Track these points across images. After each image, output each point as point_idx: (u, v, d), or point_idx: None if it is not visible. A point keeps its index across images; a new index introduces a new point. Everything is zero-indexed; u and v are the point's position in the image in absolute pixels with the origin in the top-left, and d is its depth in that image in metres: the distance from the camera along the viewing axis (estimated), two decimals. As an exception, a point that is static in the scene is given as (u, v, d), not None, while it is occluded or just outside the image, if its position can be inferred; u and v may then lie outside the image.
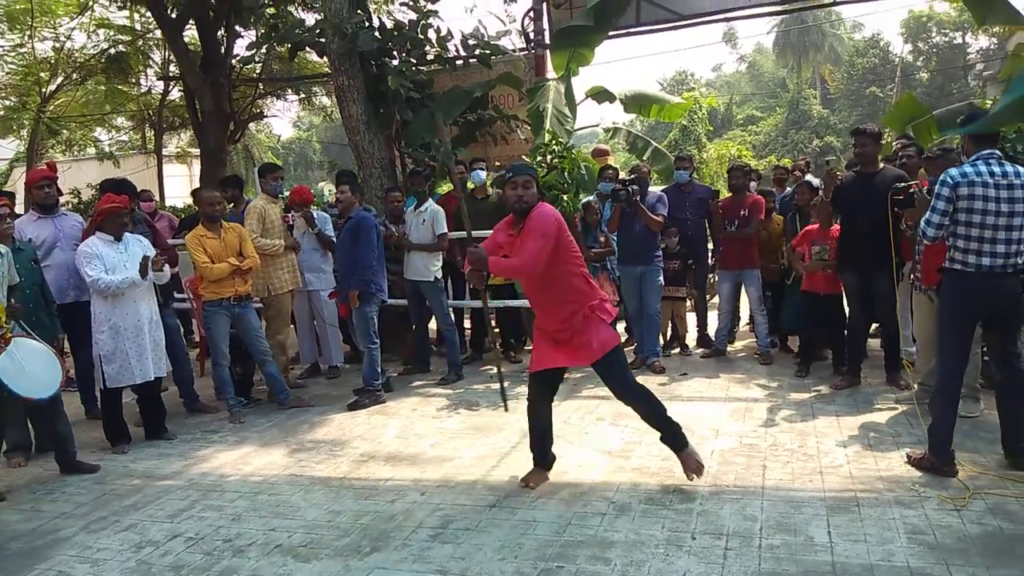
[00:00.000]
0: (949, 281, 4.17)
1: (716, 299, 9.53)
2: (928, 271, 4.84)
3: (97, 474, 4.93)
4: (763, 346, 7.06)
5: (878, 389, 5.85)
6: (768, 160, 27.91)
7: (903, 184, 5.18)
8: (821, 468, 4.33)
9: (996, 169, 4.01)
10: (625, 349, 7.76)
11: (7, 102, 16.04)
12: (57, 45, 15.47)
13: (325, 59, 8.86)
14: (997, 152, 4.13)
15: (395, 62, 8.41)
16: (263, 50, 10.48)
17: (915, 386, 5.36)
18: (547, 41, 9.66)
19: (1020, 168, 4.06)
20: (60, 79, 15.90)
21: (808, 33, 43.66)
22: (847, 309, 6.17)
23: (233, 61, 12.26)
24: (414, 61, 8.57)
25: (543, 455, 4.40)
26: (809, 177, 7.77)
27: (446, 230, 6.93)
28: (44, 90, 15.75)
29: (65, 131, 17.48)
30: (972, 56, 40.66)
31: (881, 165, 5.85)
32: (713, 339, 7.73)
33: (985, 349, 4.98)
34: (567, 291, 4.06)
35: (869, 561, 3.24)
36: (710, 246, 8.16)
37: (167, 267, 5.53)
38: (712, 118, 34.27)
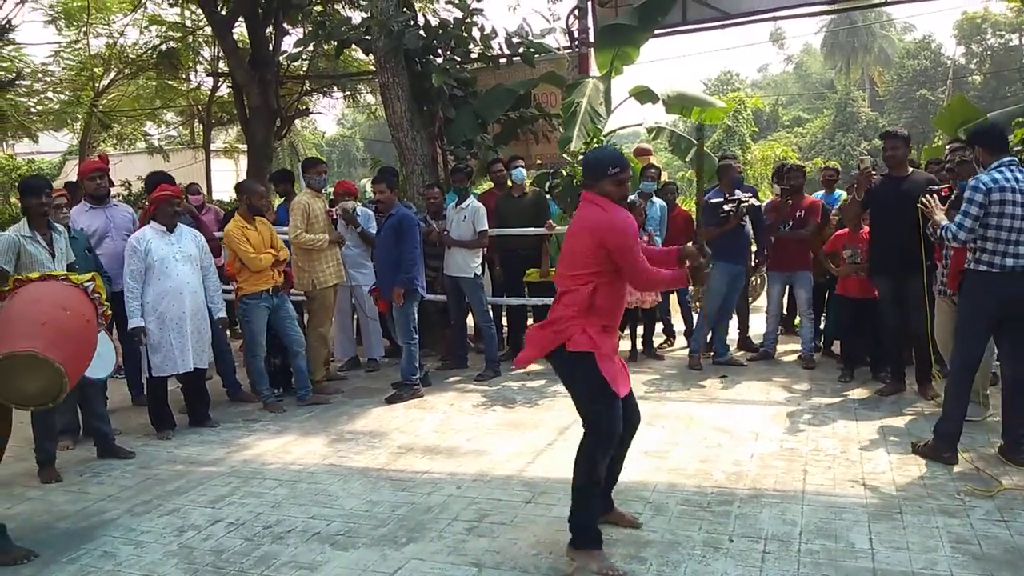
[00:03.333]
0: (972, 281, 4.37)
1: (757, 301, 9.45)
2: (953, 275, 4.87)
3: (141, 459, 5.05)
4: (807, 350, 6.95)
5: (929, 400, 5.71)
6: (814, 162, 27.43)
7: (936, 187, 5.16)
8: (863, 474, 4.26)
9: (1020, 175, 4.26)
10: (665, 349, 7.83)
11: (62, 96, 16.48)
12: (111, 41, 15.86)
13: (371, 57, 8.97)
14: (1016, 159, 4.36)
15: (439, 60, 8.46)
16: (310, 47, 10.63)
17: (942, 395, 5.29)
18: (591, 39, 9.63)
19: None
20: (113, 74, 16.31)
21: (857, 34, 42.82)
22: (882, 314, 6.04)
23: (281, 58, 12.44)
24: (458, 59, 8.62)
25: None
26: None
27: (487, 227, 6.96)
28: (97, 85, 16.17)
29: (116, 125, 17.91)
30: (1029, 58, 39.52)
31: (910, 169, 5.74)
32: (754, 342, 7.66)
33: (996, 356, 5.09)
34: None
35: (911, 569, 3.18)
36: (752, 248, 8.04)
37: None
38: (757, 119, 33.83)
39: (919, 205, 4.83)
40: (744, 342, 7.64)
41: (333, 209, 7.09)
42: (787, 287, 7.15)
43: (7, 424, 3.80)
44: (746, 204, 6.72)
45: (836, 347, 7.12)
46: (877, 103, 43.82)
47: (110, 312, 4.17)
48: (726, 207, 6.80)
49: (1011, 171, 4.25)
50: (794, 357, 7.18)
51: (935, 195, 4.72)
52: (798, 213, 6.91)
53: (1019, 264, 4.21)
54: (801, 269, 6.93)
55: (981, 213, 4.21)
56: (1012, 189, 4.19)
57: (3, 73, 14.01)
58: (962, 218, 4.27)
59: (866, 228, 6.13)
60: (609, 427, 3.32)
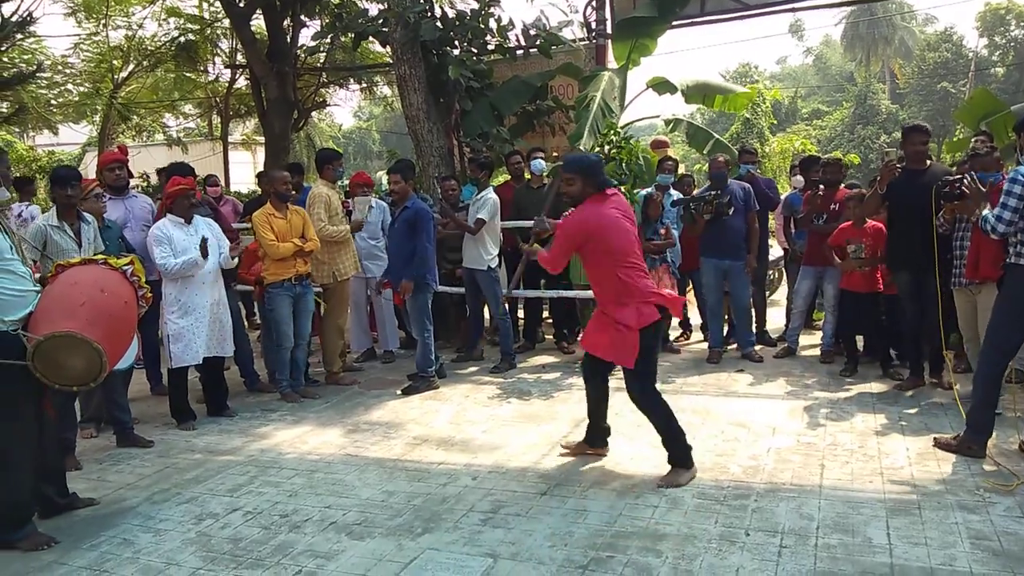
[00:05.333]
0: (1013, 276, 4.28)
1: (775, 295, 9.39)
2: (972, 265, 4.82)
3: (160, 448, 5.10)
4: (826, 345, 6.89)
5: (943, 391, 5.67)
6: (834, 155, 27.18)
7: (951, 178, 5.11)
8: (882, 469, 4.23)
9: None
10: (681, 343, 7.80)
11: (82, 88, 16.61)
12: (129, 33, 15.96)
13: (388, 48, 8.96)
14: None
15: (456, 52, 8.45)
16: (328, 39, 10.65)
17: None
18: (609, 31, 9.58)
19: None
20: (131, 66, 16.39)
21: (878, 26, 42.34)
22: (903, 308, 5.98)
23: (298, 50, 12.48)
24: (475, 51, 8.60)
25: (589, 433, 4.66)
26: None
27: (486, 218, 6.86)
28: (116, 77, 16.27)
29: (135, 117, 18.02)
30: (1053, 50, 38.90)
31: (929, 163, 5.67)
32: (771, 336, 7.61)
33: None
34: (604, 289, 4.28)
35: (930, 565, 3.15)
36: (771, 241, 7.99)
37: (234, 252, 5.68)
38: (776, 111, 33.47)
39: (958, 190, 4.77)
40: (761, 336, 7.59)
41: (349, 200, 7.11)
42: (819, 282, 7.00)
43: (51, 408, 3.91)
44: (719, 202, 6.72)
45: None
46: (897, 96, 43.31)
47: (151, 294, 4.24)
48: (692, 205, 6.92)
49: None
50: (813, 352, 7.13)
51: (975, 179, 4.60)
52: (833, 206, 6.79)
53: None
54: (834, 264, 6.78)
55: (1021, 205, 4.10)
56: None
57: (24, 65, 14.11)
58: (1001, 210, 4.17)
59: (871, 223, 6.14)
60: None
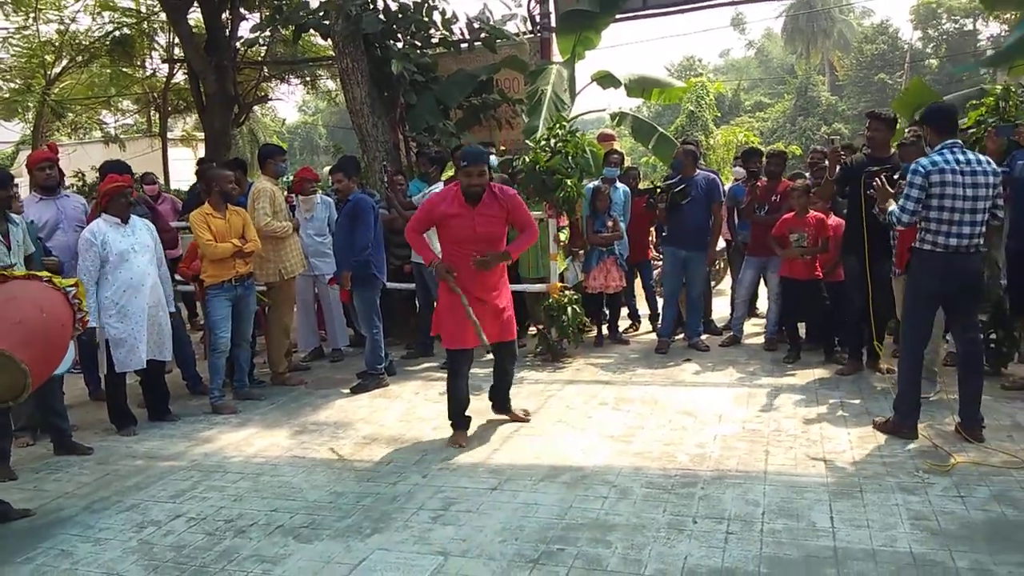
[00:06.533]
0: (918, 260, 4.48)
1: (720, 285, 9.53)
2: (901, 255, 5.03)
3: (100, 455, 4.94)
4: (771, 333, 7.02)
5: (883, 376, 5.82)
6: (776, 146, 27.71)
7: (876, 168, 5.24)
8: (824, 454, 4.32)
9: (960, 157, 4.33)
10: (630, 334, 7.86)
11: (12, 84, 15.99)
12: (61, 27, 15.40)
13: (329, 41, 8.82)
14: (960, 141, 4.44)
15: (399, 45, 8.37)
16: (267, 32, 10.44)
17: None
18: (553, 24, 9.59)
19: (980, 156, 4.42)
20: (65, 61, 15.83)
21: (817, 19, 43.29)
22: (848, 294, 6.11)
23: (237, 44, 12.19)
24: (419, 44, 8.54)
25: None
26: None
27: None
28: (49, 72, 15.70)
29: (71, 114, 17.44)
30: (983, 43, 40.26)
31: (892, 150, 5.78)
32: (717, 325, 7.73)
33: (949, 335, 5.25)
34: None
35: (872, 546, 3.23)
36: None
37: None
38: (720, 104, 34.05)
39: (869, 191, 4.94)
40: (707, 326, 7.70)
41: (292, 195, 6.98)
42: (762, 272, 7.16)
43: None
44: (673, 192, 6.84)
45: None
46: (837, 87, 44.41)
47: (88, 318, 4.11)
48: (648, 196, 7.06)
49: (952, 153, 4.33)
50: (757, 340, 7.26)
51: (882, 178, 4.78)
52: (774, 197, 6.94)
53: (962, 243, 4.30)
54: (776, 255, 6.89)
55: (922, 195, 4.31)
56: (952, 171, 4.27)
57: (-52, 61, 13.57)
58: (904, 201, 4.38)
59: (813, 213, 6.32)
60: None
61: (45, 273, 4.15)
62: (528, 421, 5.18)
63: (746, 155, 7.81)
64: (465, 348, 4.80)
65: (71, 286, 3.97)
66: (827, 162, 5.97)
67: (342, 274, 6.15)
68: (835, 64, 44.99)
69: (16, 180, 5.27)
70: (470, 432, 4.93)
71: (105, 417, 5.49)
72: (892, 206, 4.54)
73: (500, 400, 5.23)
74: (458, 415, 4.90)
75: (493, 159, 7.46)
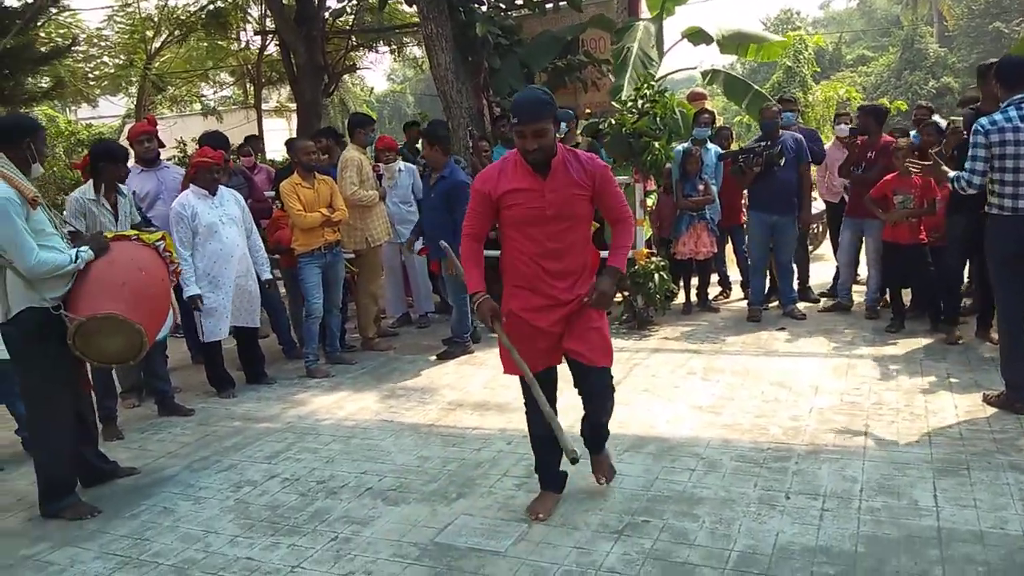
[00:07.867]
0: (991, 224, 4.30)
1: (818, 250, 9.15)
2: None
3: (200, 416, 5.17)
4: (871, 300, 6.68)
5: (993, 346, 5.46)
6: (880, 102, 26.32)
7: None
8: (929, 428, 4.09)
9: None
10: (720, 301, 7.64)
11: (117, 60, 16.71)
12: (160, 3, 15.96)
13: (415, 8, 8.80)
14: None
15: (483, 8, 8.28)
16: (354, 1, 10.52)
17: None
18: (642, -21, 9.28)
19: None
20: (164, 36, 16.43)
21: (926, -36, 40.61)
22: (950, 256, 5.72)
23: (326, 14, 12.35)
24: (503, 6, 8.43)
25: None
26: (936, 118, 7.00)
27: None
28: (149, 48, 16.33)
29: (171, 87, 18.13)
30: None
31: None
32: (814, 292, 7.43)
33: None
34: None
35: (979, 528, 3.04)
36: (814, 194, 7.70)
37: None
38: (819, 59, 32.46)
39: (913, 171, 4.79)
40: (804, 293, 7.39)
41: (379, 164, 7.04)
42: (861, 233, 6.71)
43: (86, 381, 4.01)
44: (769, 153, 6.47)
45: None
46: (946, 39, 41.59)
47: (180, 269, 4.27)
48: (741, 158, 6.68)
49: (1019, 110, 4.09)
50: (857, 308, 6.92)
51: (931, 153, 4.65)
52: (869, 154, 6.45)
53: None
54: (873, 216, 6.39)
55: (988, 154, 4.13)
56: (1015, 128, 4.05)
57: (60, 40, 14.25)
58: (971, 162, 4.20)
59: (918, 178, 5.81)
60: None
61: (132, 232, 4.32)
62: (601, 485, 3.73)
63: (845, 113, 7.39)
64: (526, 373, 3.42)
65: (159, 240, 4.12)
66: (942, 146, 5.54)
67: (446, 260, 5.77)
68: (945, 13, 42.10)
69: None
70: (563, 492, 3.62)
71: (205, 380, 5.73)
72: (952, 173, 4.32)
73: (589, 444, 3.72)
74: (540, 467, 3.59)
75: (563, 125, 7.13)
